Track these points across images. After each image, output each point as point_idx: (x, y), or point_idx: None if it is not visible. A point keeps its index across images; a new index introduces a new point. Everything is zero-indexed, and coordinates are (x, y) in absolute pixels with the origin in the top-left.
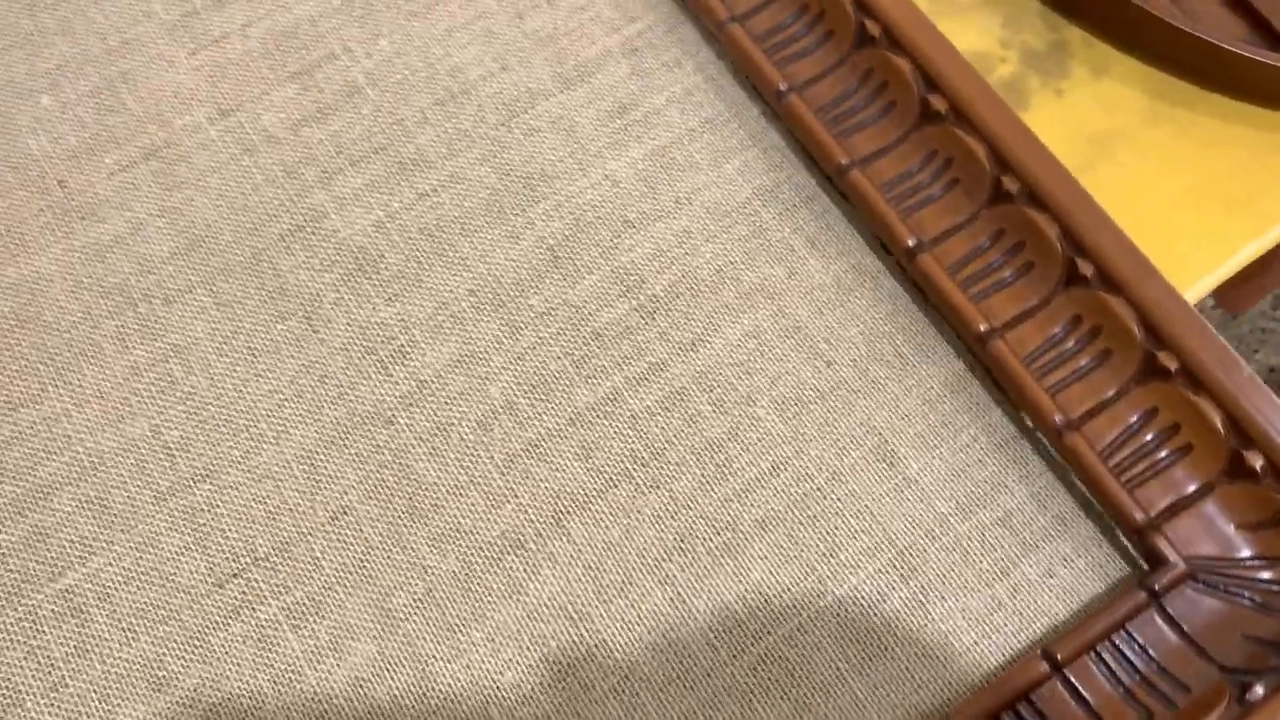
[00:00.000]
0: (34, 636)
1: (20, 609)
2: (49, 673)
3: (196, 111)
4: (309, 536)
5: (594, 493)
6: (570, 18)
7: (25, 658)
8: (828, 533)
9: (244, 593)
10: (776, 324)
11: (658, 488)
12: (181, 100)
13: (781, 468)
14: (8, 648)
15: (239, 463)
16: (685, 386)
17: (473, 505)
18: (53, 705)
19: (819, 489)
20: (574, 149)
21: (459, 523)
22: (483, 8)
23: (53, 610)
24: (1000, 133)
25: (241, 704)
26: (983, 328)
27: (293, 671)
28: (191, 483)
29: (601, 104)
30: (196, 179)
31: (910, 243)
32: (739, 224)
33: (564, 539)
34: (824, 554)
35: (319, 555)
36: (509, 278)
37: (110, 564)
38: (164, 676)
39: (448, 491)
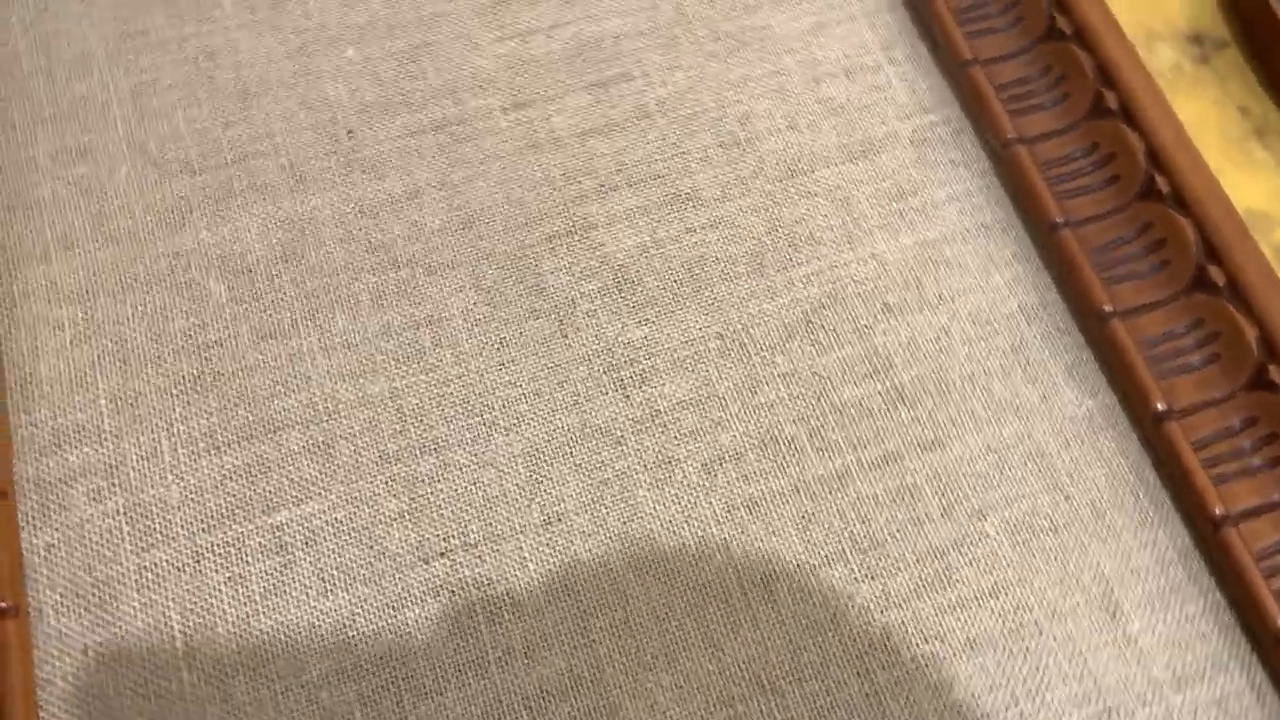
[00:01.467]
0: (237, 564)
1: (230, 534)
2: (243, 603)
3: (491, 97)
4: (520, 534)
5: (807, 567)
6: (865, 94)
7: (225, 583)
8: (1038, 669)
9: (447, 574)
10: (1021, 445)
11: (872, 578)
12: (479, 83)
13: (1002, 591)
14: (211, 570)
15: (467, 445)
16: (918, 484)
17: (684, 545)
18: (241, 636)
19: (1036, 623)
20: (846, 220)
21: (668, 559)
22: (781, 65)
23: (259, 543)
24: (1273, 318)
25: (423, 684)
26: (1218, 511)
27: (479, 666)
28: (419, 453)
29: (881, 183)
30: (479, 161)
31: (1159, 407)
32: (999, 335)
33: (769, 605)
34: (1031, 691)
35: (526, 555)
36: (759, 330)
37: (323, 512)
38: (352, 637)
39: (662, 525)
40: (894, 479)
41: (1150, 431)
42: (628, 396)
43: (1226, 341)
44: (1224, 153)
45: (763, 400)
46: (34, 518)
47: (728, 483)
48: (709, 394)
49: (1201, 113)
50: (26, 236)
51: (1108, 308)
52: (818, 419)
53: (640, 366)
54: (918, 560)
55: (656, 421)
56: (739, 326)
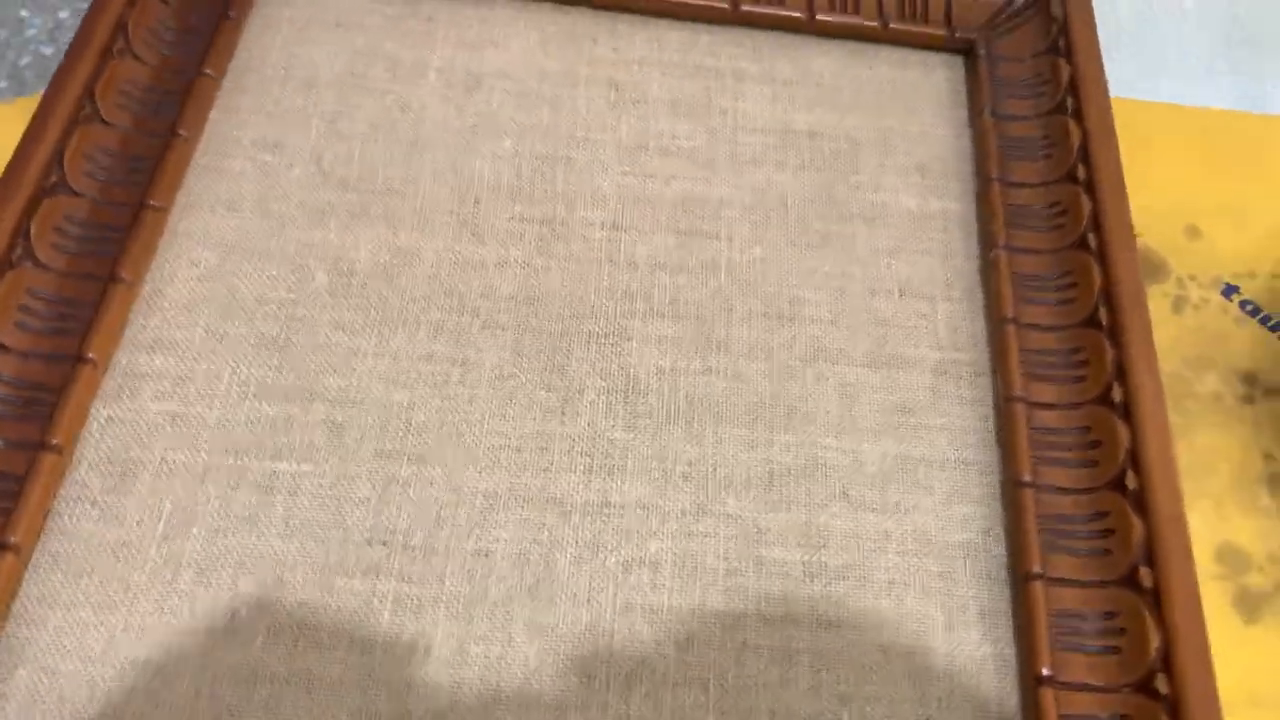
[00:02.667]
0: (230, 487)
1: (238, 462)
2: (220, 517)
3: (596, 213)
4: (449, 555)
5: (669, 682)
6: (910, 317)
7: (215, 497)
8: None
9: (380, 562)
10: (911, 658)
11: (722, 715)
12: (593, 199)
13: None
14: (210, 483)
15: (445, 466)
16: (799, 653)
17: (576, 620)
18: (208, 541)
19: None
20: (845, 414)
21: (558, 626)
22: (849, 270)
23: (254, 479)
24: (1182, 631)
25: (320, 639)
26: None
27: (366, 646)
28: (405, 458)
29: (890, 395)
30: (564, 257)
31: (1044, 671)
32: (932, 558)
33: (623, 702)
34: None
35: (448, 574)
36: (724, 470)
37: (312, 474)
38: (286, 580)
39: (566, 595)
40: (781, 640)
41: (1029, 693)
42: (589, 481)
43: (1130, 639)
44: (1231, 487)
45: (700, 528)
46: (108, 393)
47: (638, 584)
48: (657, 505)
49: (1224, 445)
50: (207, 191)
51: (1036, 569)
52: (738, 562)
53: (611, 461)
54: (770, 716)
55: (603, 510)
56: (709, 460)
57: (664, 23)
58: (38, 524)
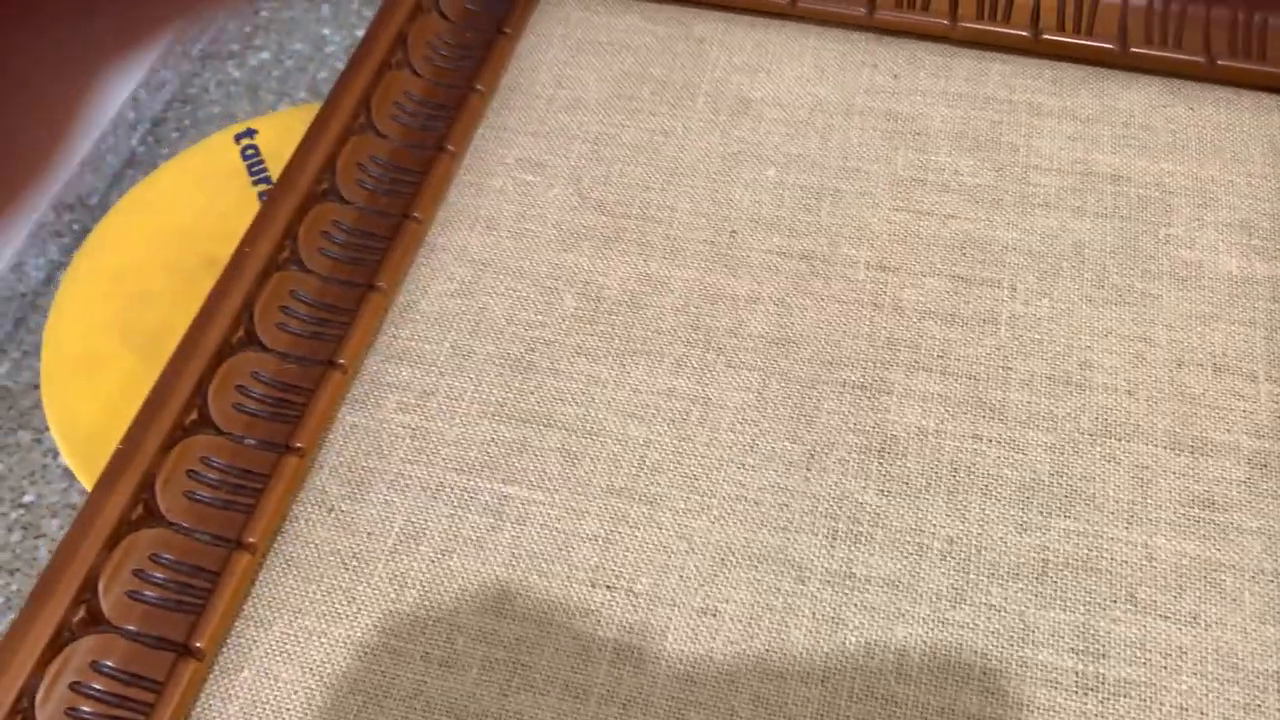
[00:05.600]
0: (460, 507)
1: (470, 482)
2: (447, 538)
3: (862, 251)
4: (674, 607)
5: None
6: (1224, 396)
7: (446, 516)
8: None
9: (604, 604)
10: None
11: None
12: (859, 235)
13: None
14: (441, 500)
15: (678, 511)
16: None
17: (806, 700)
18: (430, 558)
19: None
20: (1136, 500)
21: (779, 702)
22: (1152, 335)
23: (485, 502)
24: None
25: (534, 680)
26: None
27: (582, 692)
28: (635, 498)
29: (1193, 484)
30: (822, 296)
31: None
32: (1237, 687)
33: None
34: None
35: (669, 627)
36: (991, 555)
37: (543, 503)
38: (503, 608)
39: (798, 671)
40: None
41: None
42: (832, 548)
43: None
44: None
45: (956, 617)
46: (355, 400)
47: (880, 669)
48: (909, 584)
49: None
50: (467, 208)
51: None
52: (999, 662)
53: (859, 528)
54: None
55: (846, 581)
56: (973, 540)
57: (953, 50)
58: (275, 526)
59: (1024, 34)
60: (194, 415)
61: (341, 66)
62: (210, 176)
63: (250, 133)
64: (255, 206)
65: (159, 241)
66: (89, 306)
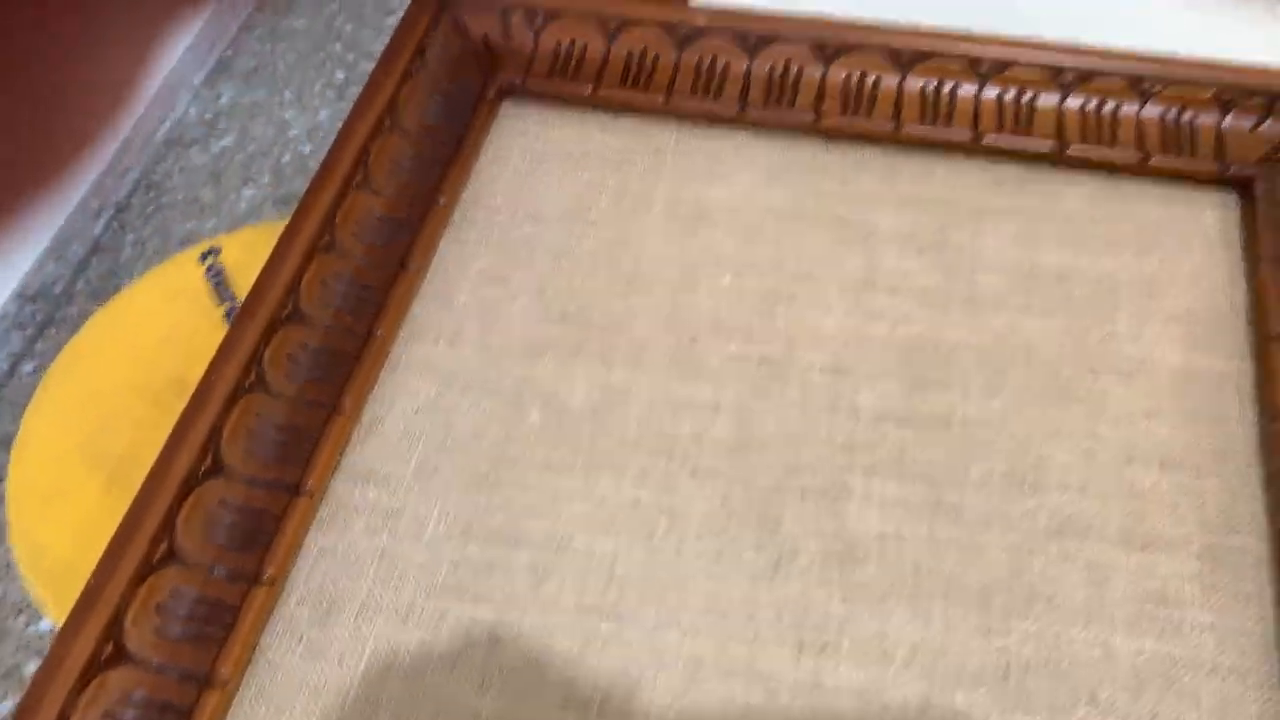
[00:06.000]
0: (430, 631)
1: (439, 605)
2: (422, 659)
3: (815, 354)
4: (646, 716)
5: None
6: (1174, 492)
7: (417, 642)
8: None
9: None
10: None
11: None
12: (815, 339)
13: None
14: (412, 626)
15: (645, 627)
16: None
17: None
18: (408, 683)
19: None
20: (1093, 598)
21: None
22: (1100, 432)
23: (456, 621)
24: None
25: None
26: None
27: None
28: (604, 615)
29: (1147, 582)
30: (780, 402)
31: None
32: None
33: None
34: None
35: None
36: (954, 658)
37: (511, 621)
38: None
39: None
40: None
41: None
42: (799, 658)
43: None
44: None
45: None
46: (322, 523)
47: None
48: (876, 693)
49: None
50: (432, 323)
51: None
52: None
53: (824, 637)
54: None
55: (814, 692)
56: (936, 645)
57: (898, 154)
58: (246, 657)
59: (962, 138)
60: (163, 548)
61: (305, 151)
62: (177, 296)
63: (215, 251)
64: (221, 326)
65: (127, 363)
66: (56, 432)
